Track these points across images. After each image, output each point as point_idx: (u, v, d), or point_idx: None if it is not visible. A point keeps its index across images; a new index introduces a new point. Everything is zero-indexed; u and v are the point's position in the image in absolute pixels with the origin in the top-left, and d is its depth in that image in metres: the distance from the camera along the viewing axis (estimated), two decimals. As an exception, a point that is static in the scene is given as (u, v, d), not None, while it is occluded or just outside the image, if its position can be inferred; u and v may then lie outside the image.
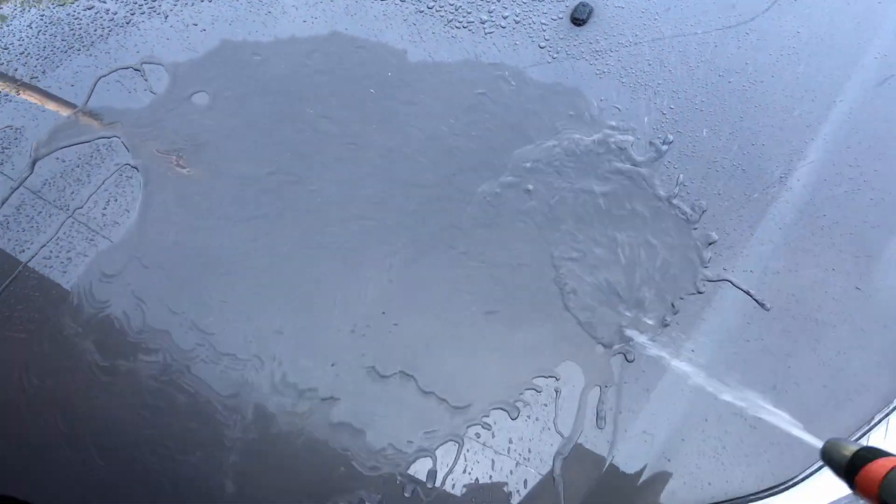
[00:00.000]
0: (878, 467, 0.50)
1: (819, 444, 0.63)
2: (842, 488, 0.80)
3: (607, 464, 0.82)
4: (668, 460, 0.84)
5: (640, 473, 0.83)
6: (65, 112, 1.02)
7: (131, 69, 1.05)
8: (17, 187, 0.97)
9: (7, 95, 1.04)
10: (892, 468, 0.50)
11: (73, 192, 0.97)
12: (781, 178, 0.98)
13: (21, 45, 1.09)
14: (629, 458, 0.83)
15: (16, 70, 1.06)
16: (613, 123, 1.00)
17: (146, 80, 1.04)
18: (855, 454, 0.53)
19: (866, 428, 0.85)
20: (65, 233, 0.94)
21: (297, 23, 1.06)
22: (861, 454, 0.53)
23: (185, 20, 1.09)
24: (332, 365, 0.86)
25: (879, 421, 0.85)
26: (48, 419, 0.85)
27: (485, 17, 1.09)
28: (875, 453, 0.52)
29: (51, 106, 1.03)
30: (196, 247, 0.92)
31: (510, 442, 0.84)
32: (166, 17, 1.09)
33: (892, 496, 0.48)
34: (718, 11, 1.10)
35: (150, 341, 0.87)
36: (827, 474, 0.82)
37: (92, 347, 0.87)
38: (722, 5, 1.10)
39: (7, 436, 0.86)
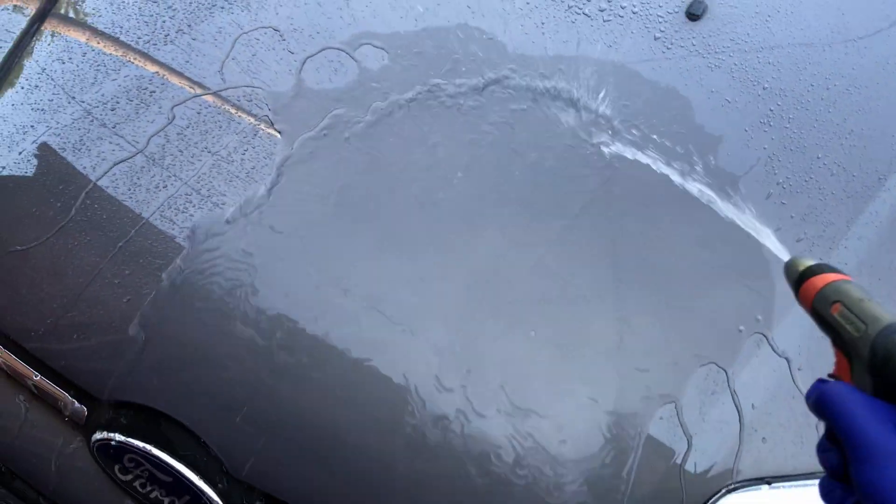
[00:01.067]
0: (819, 280, 0.52)
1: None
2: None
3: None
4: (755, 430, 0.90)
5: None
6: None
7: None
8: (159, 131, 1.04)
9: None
10: (830, 282, 0.52)
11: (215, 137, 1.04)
12: (880, 178, 1.03)
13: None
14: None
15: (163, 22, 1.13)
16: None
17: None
18: (806, 268, 0.54)
19: None
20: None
21: (417, 14, 1.12)
22: (811, 268, 0.54)
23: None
24: None
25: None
26: None
27: (604, 6, 1.15)
28: (823, 268, 0.54)
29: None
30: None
31: None
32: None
33: (823, 307, 0.51)
34: (832, 23, 1.16)
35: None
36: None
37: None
38: (836, 17, 1.16)
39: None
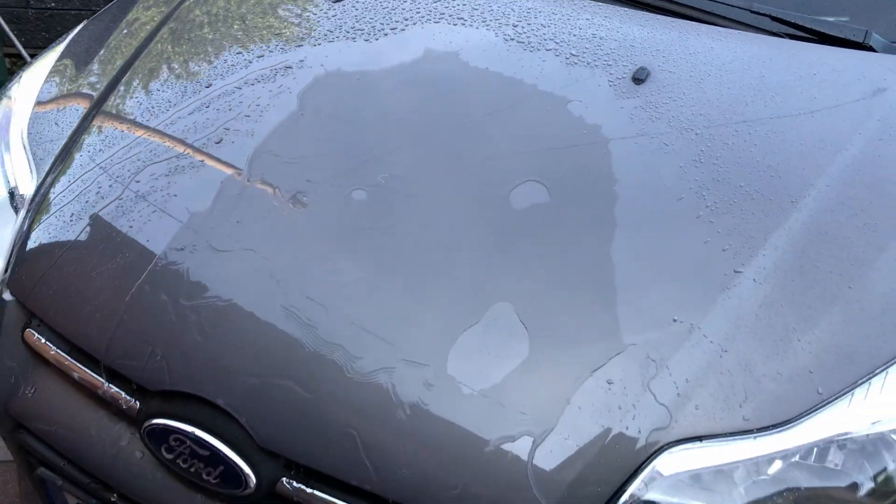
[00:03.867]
0: None
1: None
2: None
3: None
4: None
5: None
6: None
7: None
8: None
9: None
10: None
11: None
12: (792, 201, 1.25)
13: None
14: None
15: None
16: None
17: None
18: None
19: None
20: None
21: None
22: None
23: None
24: None
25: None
26: None
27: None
28: None
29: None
30: None
31: None
32: None
33: None
34: (753, 83, 1.42)
35: None
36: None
37: None
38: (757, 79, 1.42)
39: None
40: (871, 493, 1.08)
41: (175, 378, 1.14)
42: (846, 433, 1.08)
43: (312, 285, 1.17)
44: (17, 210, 1.47)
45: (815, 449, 1.07)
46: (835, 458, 1.09)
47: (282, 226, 1.24)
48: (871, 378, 1.10)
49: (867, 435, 1.09)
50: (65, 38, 1.82)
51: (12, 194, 1.50)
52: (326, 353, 1.11)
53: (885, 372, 1.11)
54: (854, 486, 1.08)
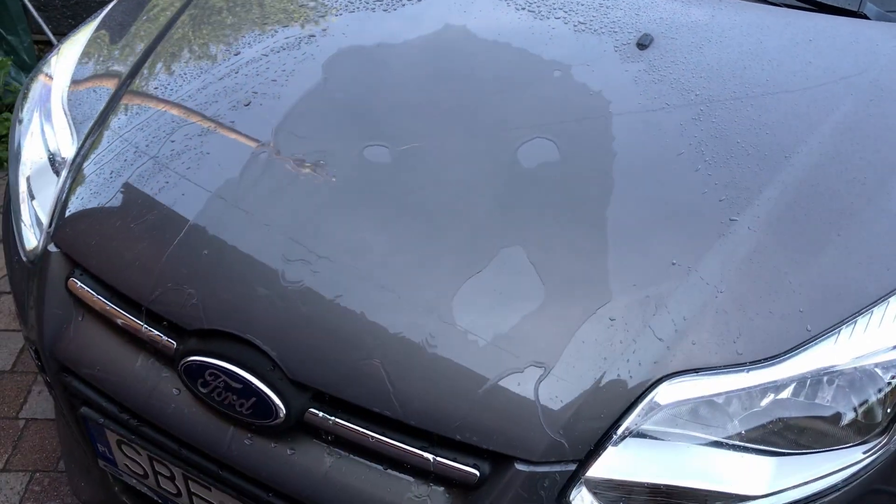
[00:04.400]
0: None
1: None
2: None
3: None
4: None
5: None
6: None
7: None
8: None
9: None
10: None
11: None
12: (786, 156, 1.33)
13: None
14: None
15: None
16: None
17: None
18: None
19: None
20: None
21: None
22: None
23: None
24: None
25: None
26: None
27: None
28: None
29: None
30: None
31: None
32: None
33: None
34: (751, 49, 1.49)
35: None
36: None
37: None
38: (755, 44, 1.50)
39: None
40: (853, 424, 1.16)
41: (210, 316, 1.23)
42: (833, 366, 1.16)
43: (335, 236, 1.26)
44: (57, 173, 1.57)
45: (807, 381, 1.16)
46: (823, 392, 1.17)
47: (304, 183, 1.33)
48: (856, 317, 1.18)
49: (854, 368, 1.17)
50: (99, 14, 1.92)
51: (52, 160, 1.60)
52: (350, 292, 1.20)
53: (870, 311, 1.19)
54: (838, 417, 1.17)
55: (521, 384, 1.13)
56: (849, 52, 1.51)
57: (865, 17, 1.59)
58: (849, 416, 1.17)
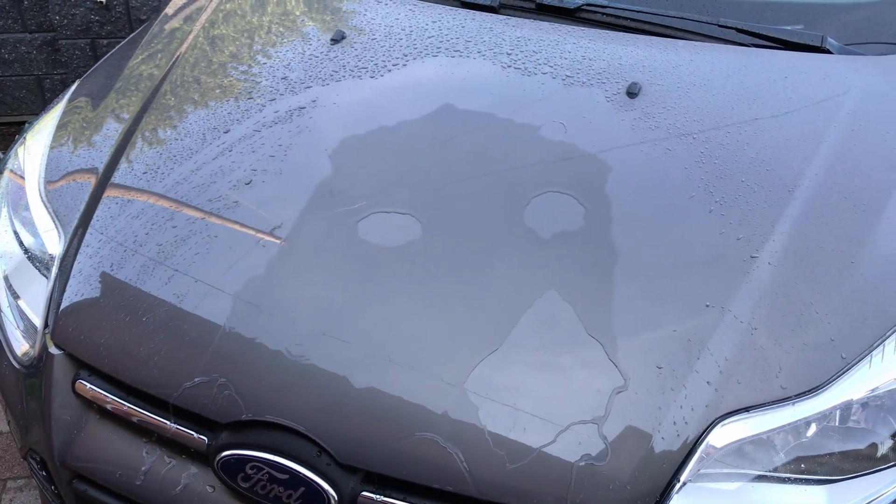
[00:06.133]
0: None
1: None
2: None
3: None
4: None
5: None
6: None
7: None
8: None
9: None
10: None
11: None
12: (789, 190, 1.38)
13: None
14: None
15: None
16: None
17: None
18: None
19: None
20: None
21: None
22: None
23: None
24: None
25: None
26: None
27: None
28: None
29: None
30: None
31: None
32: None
33: None
34: (736, 91, 1.55)
35: None
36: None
37: None
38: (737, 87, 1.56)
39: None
40: (893, 448, 1.20)
41: (250, 407, 1.18)
42: (872, 389, 1.19)
43: (370, 308, 1.23)
44: (41, 271, 1.49)
45: (851, 407, 1.19)
46: (862, 416, 1.21)
47: (328, 263, 1.31)
48: (884, 340, 1.23)
49: (891, 390, 1.21)
50: (62, 98, 1.85)
51: (33, 257, 1.52)
52: (391, 365, 1.17)
53: (894, 333, 1.24)
54: (879, 438, 1.20)
55: (581, 443, 1.12)
56: (822, 86, 1.59)
57: (828, 51, 1.67)
58: (889, 436, 1.20)
